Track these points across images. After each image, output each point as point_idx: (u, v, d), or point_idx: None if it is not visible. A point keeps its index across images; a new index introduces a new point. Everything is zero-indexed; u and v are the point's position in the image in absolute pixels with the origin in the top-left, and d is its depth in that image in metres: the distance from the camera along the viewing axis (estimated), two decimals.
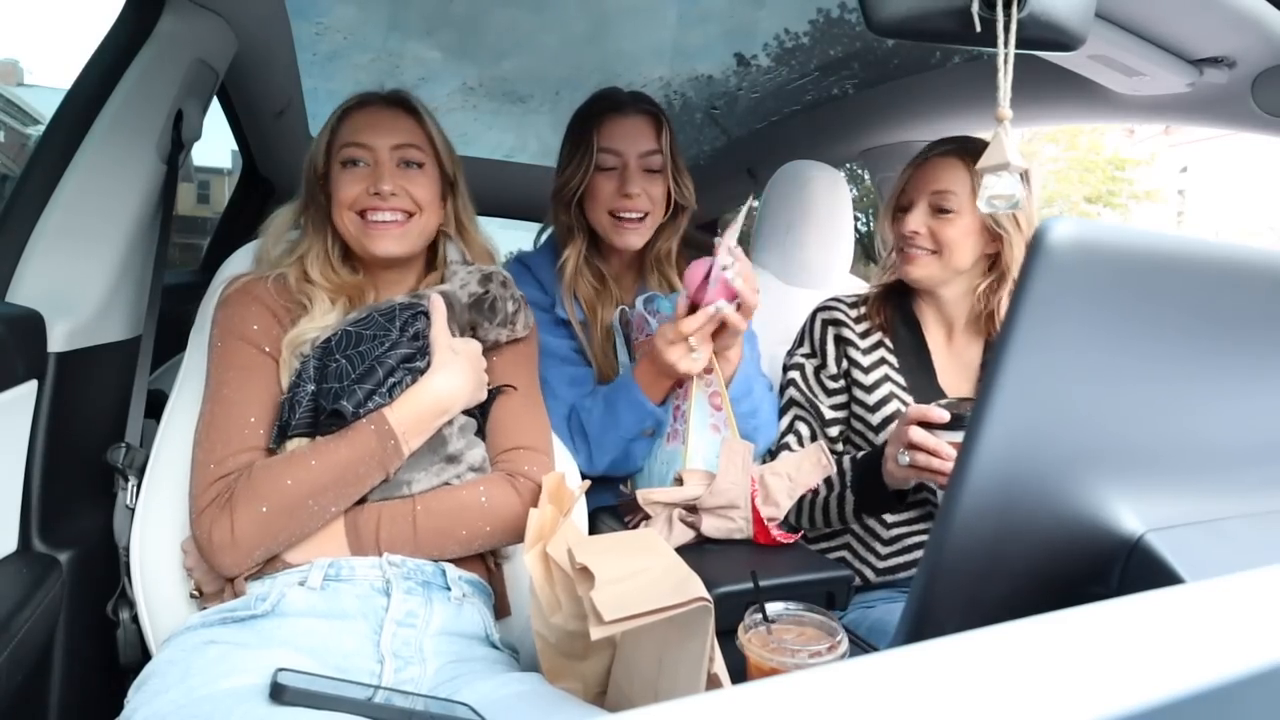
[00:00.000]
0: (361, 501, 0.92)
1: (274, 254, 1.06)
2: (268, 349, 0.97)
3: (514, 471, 0.99)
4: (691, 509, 1.12)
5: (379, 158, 1.03)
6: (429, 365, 0.96)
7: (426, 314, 1.00)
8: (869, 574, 1.23)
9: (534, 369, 1.13)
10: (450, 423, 0.97)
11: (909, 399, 1.24)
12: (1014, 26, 0.61)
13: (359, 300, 1.05)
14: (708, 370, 1.17)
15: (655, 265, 1.36)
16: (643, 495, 1.12)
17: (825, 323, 1.32)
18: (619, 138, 1.28)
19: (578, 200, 1.31)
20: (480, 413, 1.03)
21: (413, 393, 0.93)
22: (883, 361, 1.28)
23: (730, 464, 1.11)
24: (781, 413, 1.31)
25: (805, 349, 1.33)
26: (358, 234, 1.03)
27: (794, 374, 1.32)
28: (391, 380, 0.93)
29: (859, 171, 2.86)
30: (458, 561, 0.96)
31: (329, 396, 0.91)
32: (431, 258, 1.13)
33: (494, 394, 1.04)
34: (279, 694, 0.68)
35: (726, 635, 0.73)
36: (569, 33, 1.75)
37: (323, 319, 1.00)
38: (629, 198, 1.26)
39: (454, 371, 0.96)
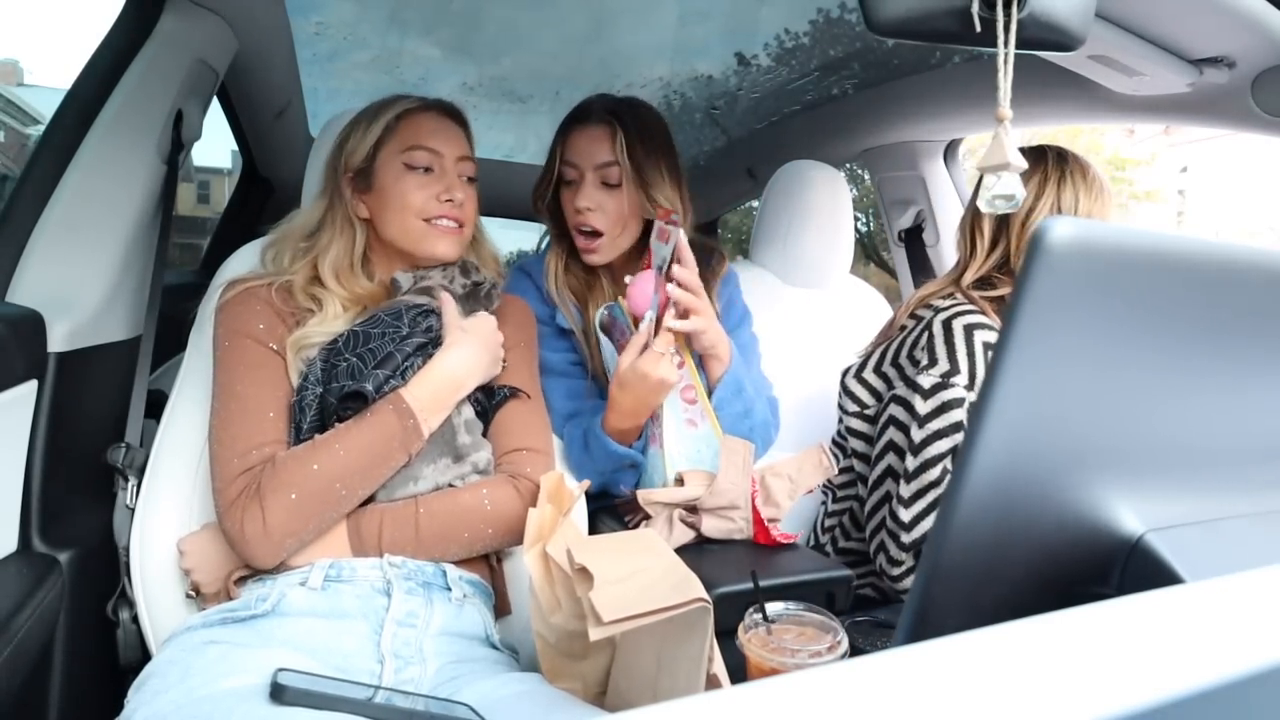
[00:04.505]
0: (365, 503, 0.92)
1: (284, 259, 1.05)
2: (274, 347, 0.97)
3: (516, 473, 0.99)
4: (691, 509, 1.12)
5: (446, 166, 1.06)
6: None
7: (431, 310, 1.01)
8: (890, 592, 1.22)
9: (535, 370, 1.13)
10: (459, 412, 0.98)
11: None
12: (1014, 26, 0.61)
13: (372, 306, 1.05)
14: (678, 366, 1.13)
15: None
16: (643, 495, 1.12)
17: (986, 345, 1.10)
18: (576, 151, 1.25)
19: (550, 208, 1.30)
20: (483, 413, 1.04)
21: (426, 371, 0.94)
22: None
23: (730, 464, 1.10)
24: (936, 461, 1.10)
25: (964, 379, 1.08)
26: (420, 238, 1.04)
27: (958, 413, 1.08)
28: (406, 365, 0.95)
29: (859, 171, 2.86)
30: (459, 560, 0.96)
31: (337, 394, 0.91)
32: None
33: (502, 398, 1.04)
34: (279, 694, 0.68)
35: (726, 635, 0.73)
36: (568, 30, 1.75)
37: (332, 322, 1.00)
38: (579, 213, 1.23)
39: (465, 348, 0.97)
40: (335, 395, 0.92)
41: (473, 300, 1.08)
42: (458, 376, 0.96)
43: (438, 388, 0.94)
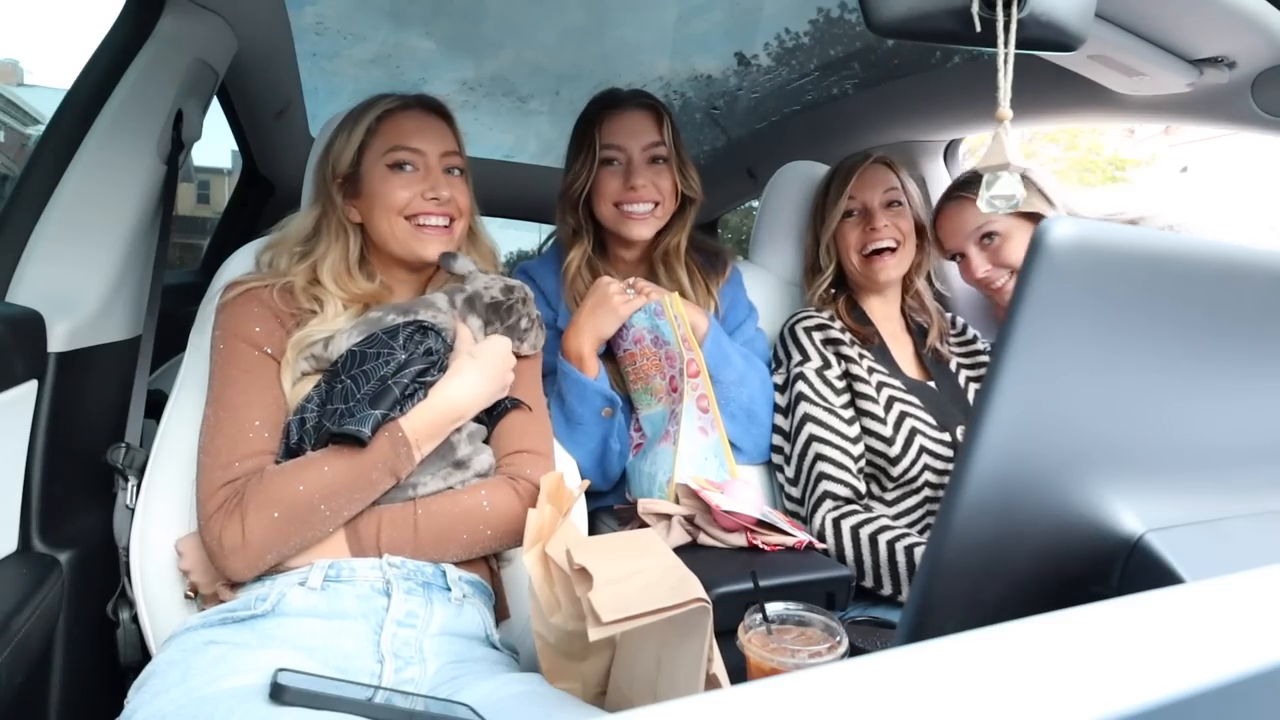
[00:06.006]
0: None
1: (281, 263, 1.05)
2: (270, 350, 0.97)
3: (516, 475, 0.99)
4: (690, 519, 1.12)
5: (429, 163, 1.04)
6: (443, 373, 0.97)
7: (429, 328, 1.00)
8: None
9: (539, 377, 1.13)
10: (459, 429, 0.97)
11: (897, 382, 1.31)
12: (1014, 26, 0.61)
13: (374, 304, 1.05)
14: (694, 374, 1.19)
15: (662, 261, 1.36)
16: (643, 505, 1.13)
17: (807, 329, 1.34)
18: (620, 133, 1.28)
19: (584, 199, 1.31)
20: (489, 421, 1.04)
21: (425, 400, 0.94)
22: (863, 356, 1.33)
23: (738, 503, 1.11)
24: (796, 433, 1.28)
25: (799, 357, 1.32)
26: (406, 238, 1.03)
27: (800, 385, 1.30)
28: (406, 397, 0.93)
29: None
30: (459, 561, 0.96)
31: (334, 416, 0.91)
32: None
33: (503, 410, 1.04)
34: (279, 694, 0.68)
35: (727, 635, 0.73)
36: (568, 25, 1.75)
37: (333, 321, 1.00)
38: (634, 189, 1.27)
39: (467, 378, 0.96)
40: (329, 420, 0.91)
41: (490, 313, 1.05)
42: (457, 406, 0.95)
43: (435, 417, 0.94)
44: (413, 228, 1.03)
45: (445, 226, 1.05)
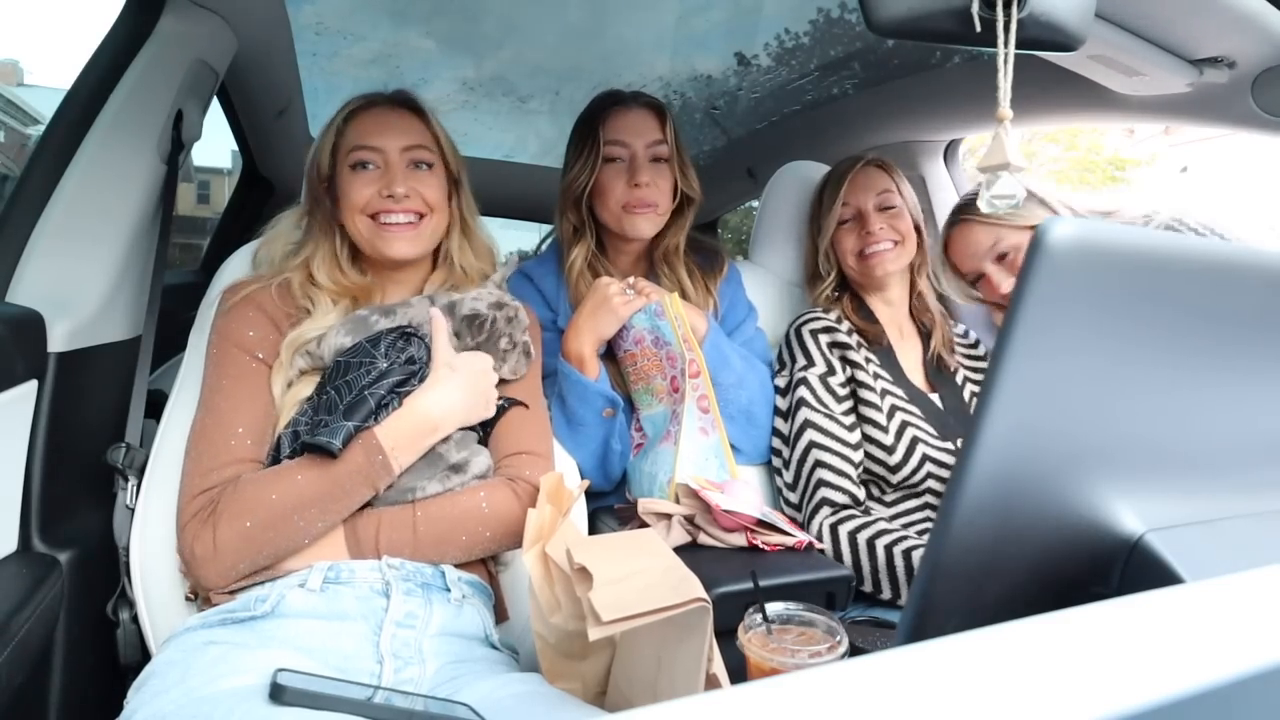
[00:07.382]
0: (364, 506, 0.92)
1: (276, 258, 1.06)
2: (261, 355, 0.97)
3: (515, 476, 0.99)
4: (690, 519, 1.12)
5: (390, 160, 1.03)
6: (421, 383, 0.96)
7: (414, 334, 1.00)
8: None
9: (538, 378, 1.13)
10: (445, 439, 0.96)
11: (900, 391, 1.30)
12: (1014, 26, 0.61)
13: (365, 300, 1.05)
14: (695, 374, 1.19)
15: (663, 260, 1.36)
16: (643, 505, 1.13)
17: (814, 332, 1.33)
18: (624, 130, 1.28)
19: (586, 197, 1.31)
20: (482, 424, 1.03)
21: (401, 410, 0.93)
22: (869, 360, 1.32)
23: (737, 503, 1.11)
24: (796, 438, 1.28)
25: (803, 361, 1.31)
26: (370, 237, 1.02)
27: (802, 391, 1.28)
28: (380, 408, 0.92)
29: None
30: (458, 563, 0.95)
31: (314, 428, 0.91)
32: (436, 256, 1.13)
33: (499, 410, 1.04)
34: (279, 694, 0.68)
35: (726, 635, 0.73)
36: (568, 24, 1.75)
37: (323, 318, 1.00)
38: (639, 187, 1.27)
39: (447, 389, 0.95)
40: (305, 433, 0.91)
41: (463, 325, 1.04)
42: (433, 419, 0.94)
43: (411, 428, 0.92)
44: (376, 226, 1.02)
45: (410, 224, 1.03)
